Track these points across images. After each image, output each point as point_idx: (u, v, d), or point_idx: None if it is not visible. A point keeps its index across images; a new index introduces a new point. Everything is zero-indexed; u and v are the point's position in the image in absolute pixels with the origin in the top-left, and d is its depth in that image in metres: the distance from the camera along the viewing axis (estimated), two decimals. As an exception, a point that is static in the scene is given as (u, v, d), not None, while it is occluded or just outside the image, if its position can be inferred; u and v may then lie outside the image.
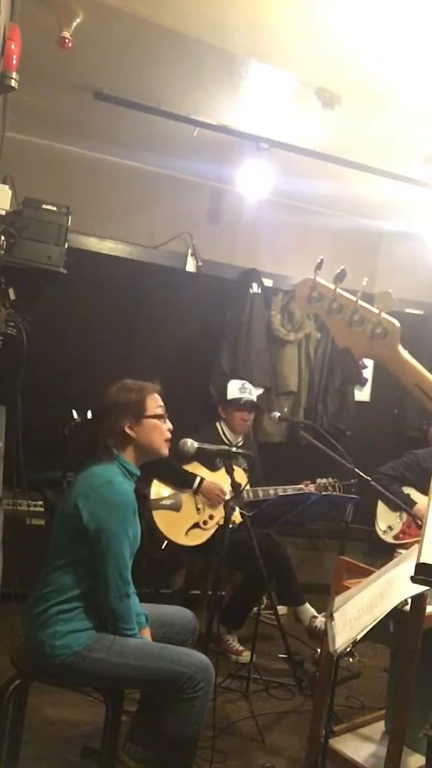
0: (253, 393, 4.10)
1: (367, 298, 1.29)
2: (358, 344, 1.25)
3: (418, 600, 2.19)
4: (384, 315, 1.23)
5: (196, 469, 3.78)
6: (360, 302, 1.24)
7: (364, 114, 3.36)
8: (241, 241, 4.91)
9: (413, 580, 1.56)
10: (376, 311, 1.23)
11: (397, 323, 1.23)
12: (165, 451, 2.36)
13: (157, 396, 2.37)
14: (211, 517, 3.71)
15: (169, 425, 2.37)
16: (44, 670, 2.16)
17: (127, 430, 2.27)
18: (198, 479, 3.70)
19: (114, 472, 2.22)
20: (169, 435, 2.37)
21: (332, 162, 3.96)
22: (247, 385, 4.08)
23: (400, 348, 1.24)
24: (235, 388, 4.03)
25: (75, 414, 3.58)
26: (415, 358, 1.29)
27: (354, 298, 1.25)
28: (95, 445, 2.27)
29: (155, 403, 2.35)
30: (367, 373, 5.12)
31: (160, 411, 2.35)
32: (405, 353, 1.24)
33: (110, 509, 2.16)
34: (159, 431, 2.33)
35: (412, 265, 5.04)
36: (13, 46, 2.30)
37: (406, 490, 3.95)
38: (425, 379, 1.24)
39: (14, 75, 2.28)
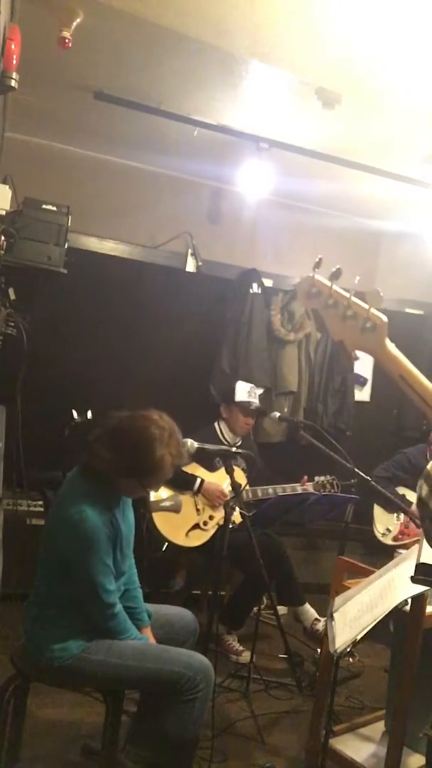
0: (257, 398, 4.11)
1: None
2: (351, 337, 1.37)
3: (418, 600, 2.19)
4: (373, 310, 1.34)
5: (195, 469, 3.77)
6: (353, 298, 1.36)
7: (364, 114, 3.36)
8: (241, 241, 4.91)
9: (413, 580, 1.56)
10: (366, 307, 1.35)
11: (384, 318, 1.35)
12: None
13: (172, 467, 2.21)
14: (211, 518, 3.71)
15: None
16: (44, 672, 2.17)
17: (127, 479, 2.22)
18: (198, 480, 3.69)
19: (92, 496, 2.14)
20: None
21: (332, 162, 3.96)
22: (255, 390, 4.08)
23: (387, 341, 1.35)
24: (243, 391, 3.99)
25: (75, 414, 3.58)
26: (415, 358, 1.39)
27: (348, 295, 1.37)
28: (94, 468, 2.20)
29: (164, 477, 2.23)
30: (367, 374, 5.13)
31: (161, 482, 2.29)
32: (392, 346, 1.36)
33: (82, 542, 2.09)
34: (146, 491, 2.34)
35: (412, 265, 5.04)
36: (13, 46, 2.30)
37: (401, 490, 3.96)
38: (408, 371, 1.36)
39: (14, 75, 2.29)
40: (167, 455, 2.16)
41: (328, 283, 1.38)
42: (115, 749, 2.26)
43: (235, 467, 3.16)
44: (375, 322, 1.33)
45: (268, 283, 4.86)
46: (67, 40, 2.77)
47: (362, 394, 5.16)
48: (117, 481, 2.21)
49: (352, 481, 3.51)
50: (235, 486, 3.06)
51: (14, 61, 2.29)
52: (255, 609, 3.54)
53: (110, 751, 2.22)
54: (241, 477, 3.68)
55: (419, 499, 1.19)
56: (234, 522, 3.24)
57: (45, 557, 2.22)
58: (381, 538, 4.04)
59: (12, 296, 3.24)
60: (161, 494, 3.67)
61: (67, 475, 2.31)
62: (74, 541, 2.11)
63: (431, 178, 4.04)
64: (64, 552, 2.14)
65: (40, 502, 3.86)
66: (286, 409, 4.78)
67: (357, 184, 4.30)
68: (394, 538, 4.00)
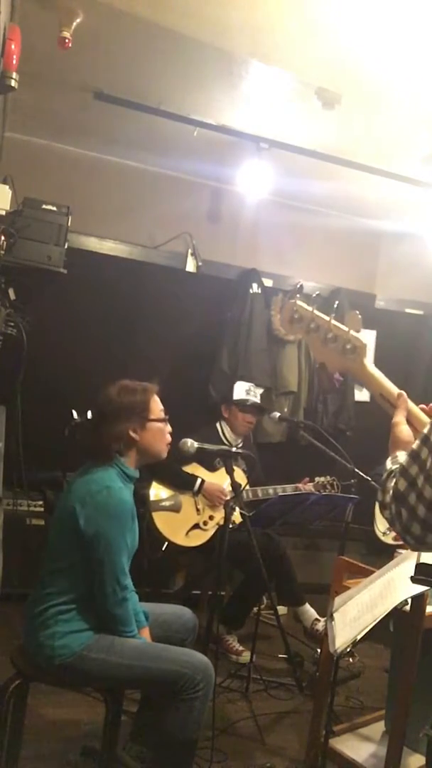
0: (258, 397, 4.11)
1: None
2: (332, 359, 1.42)
3: (418, 600, 2.19)
4: (353, 333, 1.39)
5: (195, 469, 3.78)
6: (333, 322, 1.41)
7: (364, 114, 3.36)
8: (241, 241, 4.91)
9: (413, 580, 1.56)
10: (346, 330, 1.39)
11: (364, 340, 1.39)
12: (164, 454, 2.37)
13: (157, 398, 2.36)
14: (211, 518, 3.71)
15: (169, 428, 2.37)
16: (44, 670, 2.16)
17: (132, 434, 2.26)
18: (199, 480, 3.69)
19: (112, 477, 2.21)
20: (170, 438, 2.37)
21: (332, 162, 3.96)
22: (254, 389, 4.09)
23: (367, 361, 1.40)
24: (242, 390, 4.03)
25: (75, 414, 3.58)
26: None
27: (328, 318, 1.42)
28: (98, 448, 2.26)
29: (158, 406, 2.34)
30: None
31: (162, 414, 2.34)
32: (371, 366, 1.41)
33: (108, 516, 2.14)
34: (162, 435, 2.33)
35: (412, 265, 5.03)
36: (13, 46, 2.30)
37: None
38: (387, 389, 1.42)
39: (14, 75, 2.29)
40: (128, 384, 2.32)
41: (309, 308, 1.43)
42: (115, 749, 2.26)
43: (235, 467, 3.17)
44: (355, 344, 1.38)
45: (268, 283, 4.86)
46: (67, 40, 2.77)
47: (362, 394, 5.15)
48: (135, 444, 2.26)
49: (352, 481, 3.52)
50: (235, 486, 3.06)
51: (14, 61, 2.29)
52: (255, 609, 3.55)
53: (110, 751, 2.22)
54: (241, 477, 3.68)
55: (397, 492, 1.17)
56: (234, 522, 3.24)
57: (51, 551, 2.23)
58: (381, 537, 4.04)
59: (12, 296, 3.24)
60: (161, 494, 3.67)
61: (68, 475, 2.32)
62: (100, 514, 2.12)
63: (431, 178, 4.04)
64: (86, 532, 2.11)
65: (40, 502, 3.87)
66: (286, 409, 4.79)
67: (357, 184, 4.29)
68: (395, 538, 4.00)
